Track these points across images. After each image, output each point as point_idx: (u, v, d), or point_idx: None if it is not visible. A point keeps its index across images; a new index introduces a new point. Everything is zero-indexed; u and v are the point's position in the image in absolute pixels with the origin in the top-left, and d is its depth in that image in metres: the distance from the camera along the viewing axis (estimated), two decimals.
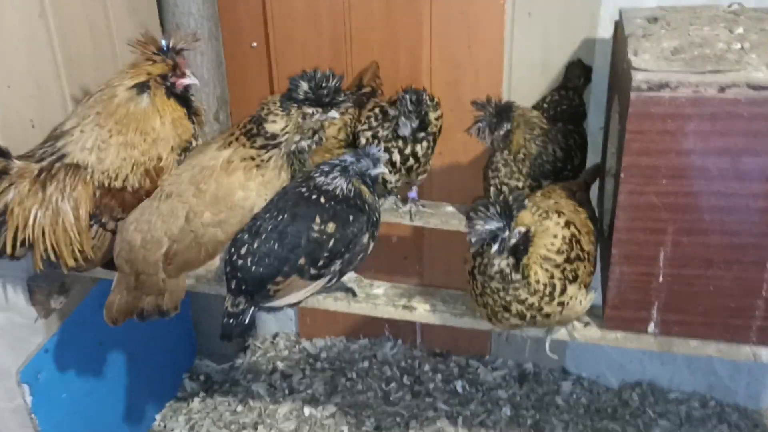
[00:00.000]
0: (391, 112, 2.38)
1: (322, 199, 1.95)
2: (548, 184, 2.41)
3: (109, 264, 2.10)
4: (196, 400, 3.25)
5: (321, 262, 1.94)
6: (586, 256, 1.94)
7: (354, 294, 2.26)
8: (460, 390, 3.24)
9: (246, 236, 1.97)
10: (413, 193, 2.74)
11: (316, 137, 2.15)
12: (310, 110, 2.00)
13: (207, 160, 2.02)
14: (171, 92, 2.05)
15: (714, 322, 1.96)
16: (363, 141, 2.36)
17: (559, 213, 1.95)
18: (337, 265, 1.99)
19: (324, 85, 1.97)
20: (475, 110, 2.37)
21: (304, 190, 1.99)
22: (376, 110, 2.47)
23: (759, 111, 1.74)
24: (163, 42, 2.14)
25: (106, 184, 2.04)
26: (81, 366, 2.57)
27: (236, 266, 1.97)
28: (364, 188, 2.01)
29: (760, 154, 1.78)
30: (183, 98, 2.08)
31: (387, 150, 2.41)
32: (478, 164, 2.66)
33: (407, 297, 2.27)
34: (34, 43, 2.18)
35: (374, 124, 2.44)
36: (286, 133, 2.02)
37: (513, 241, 1.80)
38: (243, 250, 1.96)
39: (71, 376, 2.53)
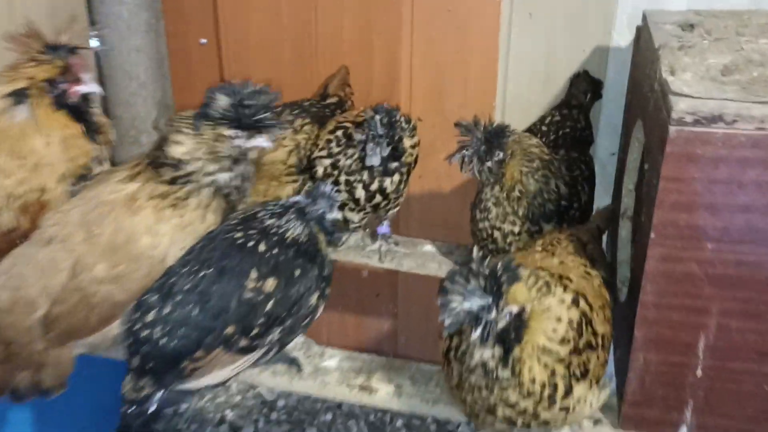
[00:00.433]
0: (357, 136, 1.91)
1: (262, 247, 1.61)
2: (551, 228, 1.93)
3: None
4: None
5: (255, 331, 1.59)
6: (599, 342, 1.45)
7: (299, 367, 1.79)
8: None
9: (155, 297, 1.59)
10: (384, 228, 2.30)
11: (240, 169, 1.68)
12: (228, 133, 1.61)
13: (106, 195, 1.52)
14: (61, 103, 1.57)
15: None
16: (320, 171, 1.97)
17: (565, 283, 1.45)
18: (275, 334, 1.63)
19: (250, 102, 1.59)
20: (459, 132, 1.92)
21: (239, 235, 1.63)
22: (339, 132, 1.99)
23: None
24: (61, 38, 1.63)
25: None
26: None
27: (140, 338, 1.57)
28: (320, 236, 1.71)
29: None
30: (78, 111, 1.68)
31: (349, 184, 1.94)
32: (466, 192, 2.39)
33: (366, 373, 1.79)
34: None
35: (335, 150, 1.97)
36: (195, 159, 1.62)
37: (501, 325, 1.31)
38: (150, 316, 1.57)
39: None
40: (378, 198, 1.98)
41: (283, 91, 2.46)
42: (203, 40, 2.57)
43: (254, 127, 1.61)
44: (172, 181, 1.61)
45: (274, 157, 2.00)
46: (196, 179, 1.63)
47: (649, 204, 1.44)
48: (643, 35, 1.88)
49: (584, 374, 1.43)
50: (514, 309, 1.34)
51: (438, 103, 2.43)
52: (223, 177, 1.66)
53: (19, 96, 1.64)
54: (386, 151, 1.86)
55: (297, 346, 1.81)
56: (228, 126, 1.60)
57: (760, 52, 1.53)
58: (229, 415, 3.13)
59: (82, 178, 1.73)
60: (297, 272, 1.62)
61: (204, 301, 1.56)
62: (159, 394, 1.61)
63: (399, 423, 3.04)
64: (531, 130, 2.28)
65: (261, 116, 1.60)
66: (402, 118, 1.89)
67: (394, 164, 1.93)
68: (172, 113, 2.61)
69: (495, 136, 1.89)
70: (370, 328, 2.89)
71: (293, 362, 1.83)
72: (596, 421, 1.65)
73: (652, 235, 1.42)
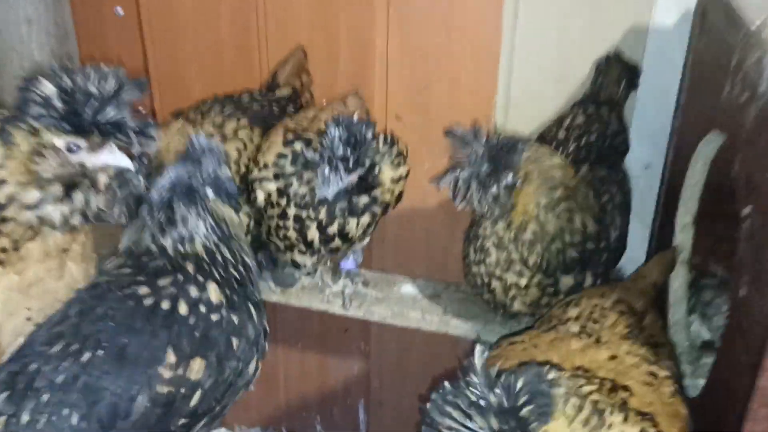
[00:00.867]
0: (308, 155, 1.49)
1: (182, 309, 1.26)
2: (570, 281, 1.51)
3: None
4: None
5: None
6: None
7: None
8: None
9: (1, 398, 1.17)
10: (349, 263, 1.88)
11: (81, 198, 1.25)
12: (57, 142, 1.21)
13: None
14: None
15: None
16: (260, 197, 1.58)
17: (623, 399, 0.93)
18: (199, 426, 1.32)
19: (94, 89, 1.19)
20: (452, 144, 1.49)
21: (144, 291, 1.28)
22: (298, 145, 1.55)
23: None
24: None
25: None
26: None
27: None
28: (232, 216, 1.40)
29: None
30: None
31: (299, 221, 1.53)
32: (458, 213, 1.96)
33: None
34: None
35: (288, 169, 1.54)
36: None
37: None
38: None
39: None
40: (337, 242, 1.54)
41: (221, 79, 2.04)
42: (119, 10, 2.19)
43: (102, 133, 1.20)
44: None
45: None
46: (13, 216, 1.20)
47: (760, 271, 0.92)
48: (711, 12, 1.36)
49: None
50: None
51: (422, 99, 2.05)
52: (55, 212, 1.23)
53: None
54: (344, 181, 1.42)
55: None
56: (56, 131, 1.18)
57: None
58: None
59: None
60: (233, 340, 1.30)
61: (90, 402, 1.16)
62: None
63: None
64: (543, 137, 1.83)
65: (113, 115, 1.19)
66: (382, 137, 1.52)
67: (364, 200, 1.49)
68: None
69: (503, 153, 1.41)
70: (336, 369, 2.56)
71: None
72: None
73: None
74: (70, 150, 1.21)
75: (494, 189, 1.42)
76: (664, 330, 1.37)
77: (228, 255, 1.35)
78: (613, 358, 1.09)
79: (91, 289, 1.27)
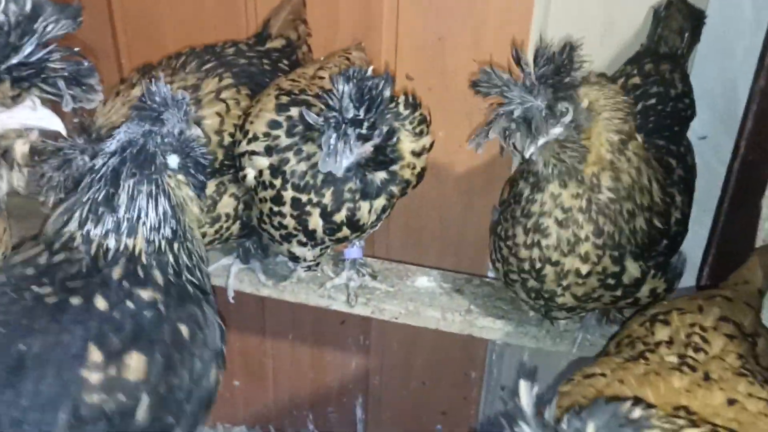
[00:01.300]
0: (310, 119, 1.21)
1: (100, 303, 1.05)
2: (636, 270, 1.29)
3: None
4: None
5: None
6: None
7: None
8: None
9: None
10: (355, 251, 1.62)
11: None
12: None
13: None
14: None
15: None
16: (250, 175, 1.35)
17: None
18: None
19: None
20: (486, 87, 1.21)
21: (47, 290, 1.05)
22: (294, 110, 1.31)
23: None
24: None
25: None
26: None
27: None
28: (189, 202, 1.16)
29: None
30: None
31: (299, 206, 1.30)
32: (476, 189, 1.88)
33: None
34: None
35: (283, 141, 1.30)
36: None
37: None
38: None
39: None
40: (345, 231, 1.30)
41: (200, 27, 1.86)
42: None
43: (16, 81, 0.94)
44: None
45: None
46: None
47: None
48: None
49: None
50: None
51: (437, 54, 1.83)
52: None
53: None
54: (355, 153, 1.19)
55: None
56: None
57: None
58: None
59: None
60: (182, 328, 1.09)
61: None
62: None
63: None
64: None
65: (32, 54, 0.92)
66: (402, 98, 1.31)
67: (380, 177, 1.25)
68: None
69: (560, 76, 1.15)
70: (331, 364, 2.41)
71: None
72: None
73: None
74: None
75: (557, 129, 1.15)
76: None
77: (183, 256, 1.11)
78: (732, 402, 0.83)
79: None
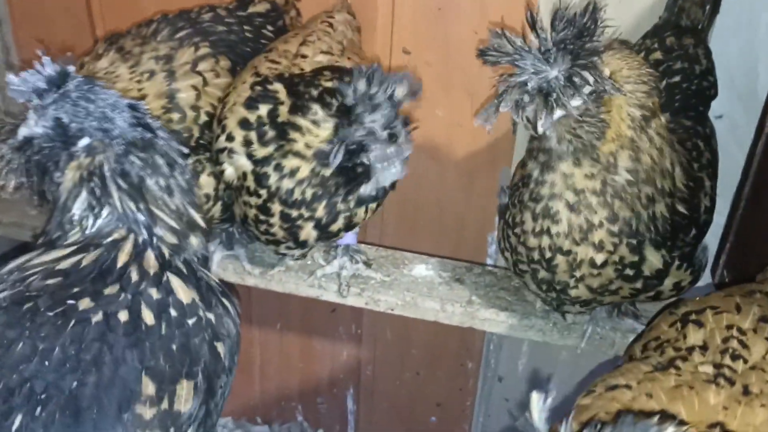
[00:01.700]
0: (313, 107, 1.15)
1: (147, 317, 0.97)
2: (658, 260, 1.19)
3: None
4: None
5: None
6: None
7: None
8: None
9: None
10: (348, 237, 1.48)
11: None
12: None
13: None
14: None
15: None
16: (230, 173, 1.26)
17: None
18: None
19: None
20: (495, 56, 1.08)
21: (87, 306, 0.96)
22: (263, 108, 1.22)
23: None
24: None
25: None
26: None
27: None
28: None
29: None
30: None
31: (288, 219, 1.24)
32: (477, 171, 1.80)
33: None
34: None
35: (260, 151, 1.21)
36: None
37: None
38: None
39: None
40: (340, 234, 1.28)
41: None
42: None
43: None
44: None
45: None
46: None
47: None
48: None
49: None
50: None
51: (438, 25, 1.71)
52: None
53: None
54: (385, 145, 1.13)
55: None
56: None
57: None
58: None
59: None
60: (218, 345, 1.04)
61: None
62: None
63: None
64: None
65: None
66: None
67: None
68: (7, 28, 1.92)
69: (580, 41, 1.01)
70: (321, 354, 2.34)
71: None
72: None
73: None
74: None
75: (577, 102, 1.02)
76: None
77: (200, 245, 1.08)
78: None
79: None
